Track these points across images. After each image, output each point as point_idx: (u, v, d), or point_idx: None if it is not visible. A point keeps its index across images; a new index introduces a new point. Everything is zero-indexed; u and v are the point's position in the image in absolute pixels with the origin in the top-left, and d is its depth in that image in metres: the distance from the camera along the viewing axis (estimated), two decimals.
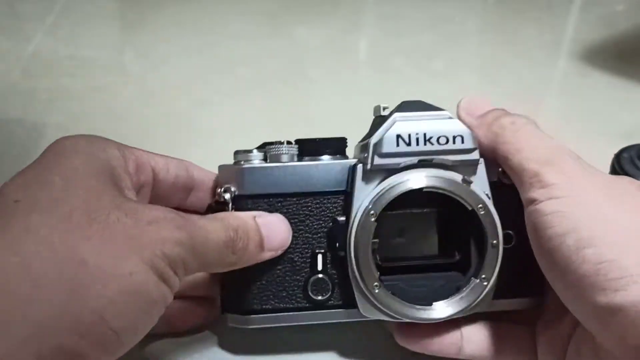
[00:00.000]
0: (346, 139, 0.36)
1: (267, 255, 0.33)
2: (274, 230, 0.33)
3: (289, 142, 0.35)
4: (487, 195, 0.34)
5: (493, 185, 0.34)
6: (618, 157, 0.47)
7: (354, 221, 0.33)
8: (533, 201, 0.31)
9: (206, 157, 0.40)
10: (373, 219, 0.33)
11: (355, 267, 0.33)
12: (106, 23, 0.82)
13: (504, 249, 0.34)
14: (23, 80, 0.67)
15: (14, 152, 0.56)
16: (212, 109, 0.64)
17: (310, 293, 0.34)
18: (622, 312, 0.27)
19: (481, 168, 0.34)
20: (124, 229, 0.27)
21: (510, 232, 0.34)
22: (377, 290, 0.33)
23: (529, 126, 0.34)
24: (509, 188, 0.33)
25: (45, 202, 0.27)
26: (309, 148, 0.35)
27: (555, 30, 0.85)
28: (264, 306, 0.34)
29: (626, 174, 0.45)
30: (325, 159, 0.35)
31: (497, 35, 0.83)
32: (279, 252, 0.34)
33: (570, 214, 0.29)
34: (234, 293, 0.35)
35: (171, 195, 0.36)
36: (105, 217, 0.27)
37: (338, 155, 0.35)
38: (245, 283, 0.34)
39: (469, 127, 0.33)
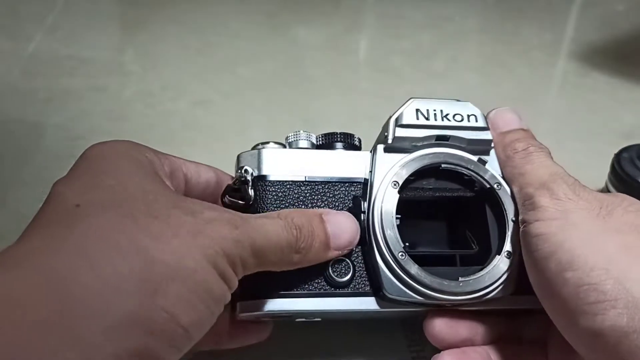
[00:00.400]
0: (359, 138, 0.37)
1: (334, 254, 0.32)
2: (340, 228, 0.32)
3: (306, 132, 0.36)
4: (500, 175, 0.35)
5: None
6: (618, 157, 0.47)
7: (377, 193, 0.33)
8: (524, 222, 0.32)
9: (206, 157, 0.40)
10: (396, 189, 0.33)
11: (379, 234, 0.32)
12: (106, 23, 0.82)
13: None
14: (23, 80, 0.67)
15: (14, 152, 0.56)
16: (212, 109, 0.64)
17: (331, 273, 0.33)
18: (603, 336, 0.27)
19: (493, 152, 0.35)
20: (185, 226, 0.27)
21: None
22: (403, 257, 0.32)
23: (539, 154, 0.34)
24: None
25: (107, 204, 0.27)
26: (323, 141, 0.36)
27: (555, 30, 0.85)
28: (280, 288, 0.32)
29: (626, 174, 0.45)
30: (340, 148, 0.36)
31: (497, 35, 0.82)
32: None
33: (553, 237, 0.30)
34: (247, 277, 0.32)
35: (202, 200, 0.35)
36: (167, 216, 0.27)
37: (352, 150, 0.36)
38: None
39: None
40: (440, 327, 0.34)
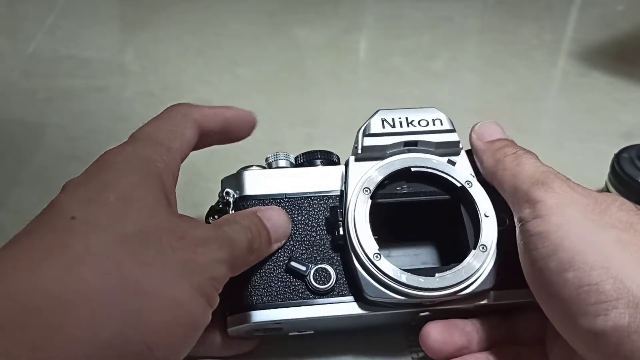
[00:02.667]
0: (337, 155, 0.39)
1: (275, 247, 0.34)
2: (276, 221, 0.33)
3: (284, 152, 0.38)
4: (472, 175, 0.36)
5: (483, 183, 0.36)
6: (618, 157, 0.47)
7: (350, 201, 0.34)
8: (521, 221, 0.32)
9: (206, 156, 0.40)
10: (368, 195, 0.34)
11: (354, 238, 0.33)
12: (106, 23, 0.82)
13: (500, 230, 0.35)
14: (23, 80, 0.67)
15: (14, 152, 0.56)
16: None
17: (312, 281, 0.34)
18: (604, 337, 0.27)
19: (463, 154, 0.37)
20: (175, 254, 0.27)
21: (502, 215, 0.35)
22: (378, 259, 0.33)
23: (529, 156, 0.35)
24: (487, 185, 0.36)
25: (102, 222, 0.26)
26: (303, 159, 0.38)
27: (555, 30, 0.85)
28: (265, 300, 0.34)
29: (626, 174, 0.45)
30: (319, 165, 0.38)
31: (497, 35, 0.82)
32: (283, 243, 0.34)
33: (553, 235, 0.29)
34: (233, 291, 0.34)
35: (212, 136, 0.36)
36: (159, 242, 0.27)
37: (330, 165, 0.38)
38: (245, 279, 0.34)
39: (476, 150, 0.36)
40: (435, 337, 0.34)
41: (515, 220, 0.33)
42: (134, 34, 0.79)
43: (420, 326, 0.35)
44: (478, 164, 0.37)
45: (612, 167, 0.47)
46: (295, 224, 0.35)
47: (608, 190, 0.48)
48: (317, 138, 0.58)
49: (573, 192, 0.31)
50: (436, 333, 0.34)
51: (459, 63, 0.77)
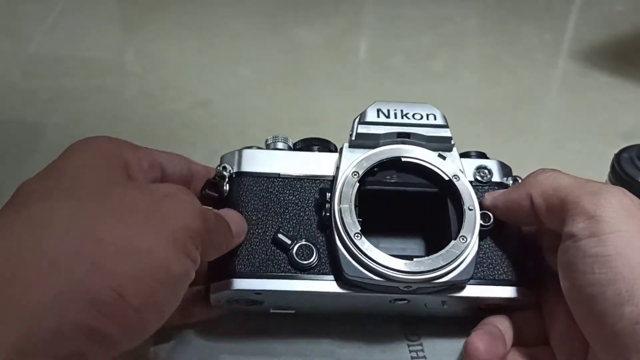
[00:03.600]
0: (335, 144, 0.40)
1: (237, 241, 0.34)
2: (232, 217, 0.35)
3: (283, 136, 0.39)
4: (460, 170, 0.37)
5: (470, 184, 0.37)
6: (618, 157, 0.47)
7: (339, 182, 0.36)
8: (572, 237, 0.29)
9: (206, 157, 0.40)
10: (356, 178, 0.36)
11: (338, 217, 0.34)
12: (106, 23, 0.82)
13: (485, 228, 0.36)
14: (23, 80, 0.67)
15: (14, 152, 0.56)
16: (212, 109, 0.64)
17: (295, 257, 0.35)
18: None
19: (454, 150, 0.37)
20: (139, 206, 0.27)
21: (488, 212, 0.36)
22: (359, 239, 0.34)
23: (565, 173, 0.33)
24: (484, 186, 0.38)
25: (60, 189, 0.27)
26: (301, 145, 0.39)
27: (555, 30, 0.85)
28: (248, 269, 0.35)
29: (626, 174, 0.45)
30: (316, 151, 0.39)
31: (497, 35, 0.82)
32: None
33: (613, 262, 0.27)
34: (218, 260, 0.34)
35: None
36: (120, 197, 0.27)
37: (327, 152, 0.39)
38: (231, 250, 0.35)
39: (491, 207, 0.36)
40: (483, 348, 0.33)
41: (563, 232, 0.30)
42: (134, 34, 0.79)
43: (416, 318, 0.36)
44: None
45: (612, 167, 0.47)
46: (286, 203, 0.37)
47: None
48: None
49: (632, 202, 0.29)
50: (484, 344, 0.33)
51: (459, 63, 0.77)
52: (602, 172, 0.49)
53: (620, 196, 0.29)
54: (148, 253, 0.26)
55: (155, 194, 0.28)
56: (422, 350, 0.37)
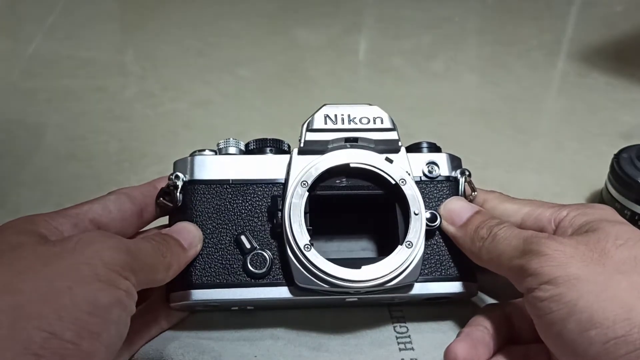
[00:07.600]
0: (287, 142, 0.40)
1: (192, 253, 0.35)
2: (181, 228, 0.35)
3: (235, 139, 0.40)
4: (407, 173, 0.37)
5: (420, 181, 0.38)
6: (618, 157, 0.47)
7: (289, 192, 0.36)
8: (529, 291, 0.32)
9: None
10: (305, 188, 0.36)
11: (288, 228, 0.35)
12: (106, 23, 0.82)
13: (431, 228, 0.37)
14: (23, 80, 0.67)
15: (14, 152, 0.56)
16: (212, 109, 0.64)
17: (249, 266, 0.36)
18: None
19: (402, 151, 0.38)
20: (53, 255, 0.28)
21: (435, 212, 0.37)
22: (308, 250, 0.35)
23: (502, 229, 0.35)
24: (433, 181, 0.39)
25: None
26: (253, 146, 0.40)
27: (555, 30, 0.85)
28: (204, 280, 0.36)
29: (626, 174, 0.45)
30: (269, 154, 0.39)
31: (497, 35, 0.83)
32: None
33: (565, 297, 0.30)
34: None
35: (126, 227, 0.37)
36: (33, 252, 0.28)
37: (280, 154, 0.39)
38: (190, 262, 0.36)
39: (452, 237, 0.37)
40: (464, 356, 0.34)
41: (522, 291, 0.33)
42: (134, 34, 0.79)
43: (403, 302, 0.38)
44: (459, 247, 0.37)
45: (612, 167, 0.47)
46: (239, 210, 0.37)
47: (607, 191, 0.48)
48: None
49: (564, 247, 0.31)
50: (463, 352, 0.34)
51: (459, 63, 0.77)
52: (602, 172, 0.49)
53: (551, 244, 0.32)
54: (68, 290, 0.27)
55: (68, 243, 0.29)
56: (411, 342, 0.38)
